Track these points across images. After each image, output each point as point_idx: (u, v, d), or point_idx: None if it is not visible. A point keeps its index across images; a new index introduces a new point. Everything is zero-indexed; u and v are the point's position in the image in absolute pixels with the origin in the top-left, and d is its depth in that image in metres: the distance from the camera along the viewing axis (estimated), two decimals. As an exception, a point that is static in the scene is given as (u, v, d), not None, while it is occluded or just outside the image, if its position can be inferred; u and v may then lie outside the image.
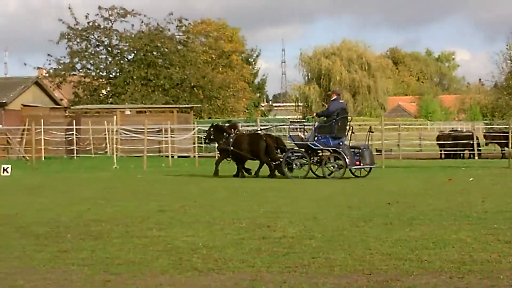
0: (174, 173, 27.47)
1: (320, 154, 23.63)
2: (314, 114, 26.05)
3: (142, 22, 58.37)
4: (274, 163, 23.94)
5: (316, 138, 23.33)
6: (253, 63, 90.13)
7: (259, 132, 27.10)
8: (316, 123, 24.39)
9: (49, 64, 58.52)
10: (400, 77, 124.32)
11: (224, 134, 24.93)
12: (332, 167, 23.14)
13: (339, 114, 23.24)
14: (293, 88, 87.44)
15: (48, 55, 58.48)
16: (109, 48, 58.84)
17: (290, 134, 25.68)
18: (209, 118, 58.20)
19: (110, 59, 58.97)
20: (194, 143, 39.20)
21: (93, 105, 53.90)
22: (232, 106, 63.68)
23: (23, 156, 40.19)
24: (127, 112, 46.79)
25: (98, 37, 58.60)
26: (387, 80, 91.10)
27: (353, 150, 23.39)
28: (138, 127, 38.10)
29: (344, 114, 23.58)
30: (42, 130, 40.55)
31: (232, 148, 24.37)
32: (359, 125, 47.57)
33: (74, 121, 44.31)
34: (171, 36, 58.56)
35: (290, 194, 17.49)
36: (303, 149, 23.49)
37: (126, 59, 58.98)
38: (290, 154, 23.72)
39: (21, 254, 9.37)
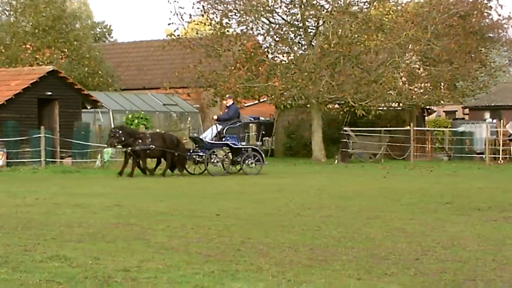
0: None
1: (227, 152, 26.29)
2: (215, 117, 27.27)
3: None
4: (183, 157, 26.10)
5: (224, 139, 25.85)
6: None
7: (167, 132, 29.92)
8: (219, 125, 26.22)
9: None
10: None
11: (137, 136, 26.36)
12: (251, 164, 25.79)
13: (239, 117, 26.18)
14: None
15: None
16: None
17: (192, 135, 27.87)
18: None
19: None
20: None
21: None
22: None
23: None
24: None
25: None
26: None
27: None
28: None
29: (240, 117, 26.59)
30: None
31: (153, 146, 25.91)
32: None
33: None
34: None
35: None
36: (225, 148, 26.02)
37: None
38: (211, 152, 25.87)
39: None
